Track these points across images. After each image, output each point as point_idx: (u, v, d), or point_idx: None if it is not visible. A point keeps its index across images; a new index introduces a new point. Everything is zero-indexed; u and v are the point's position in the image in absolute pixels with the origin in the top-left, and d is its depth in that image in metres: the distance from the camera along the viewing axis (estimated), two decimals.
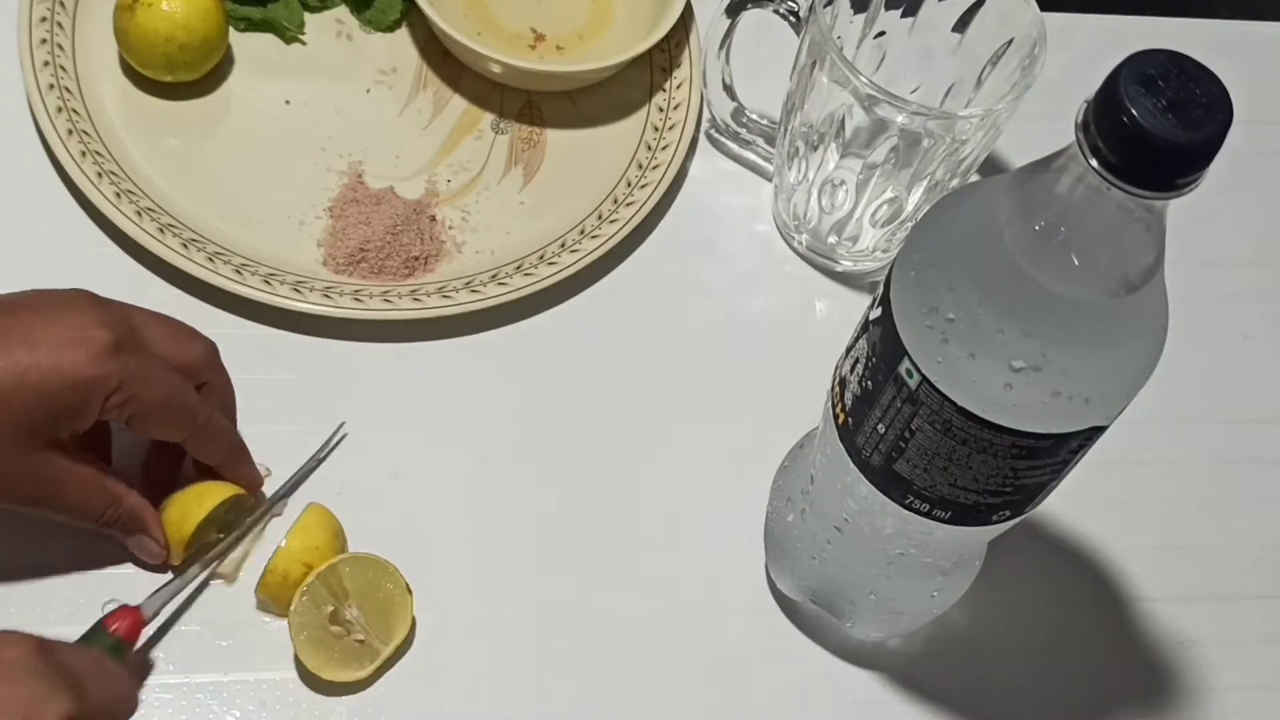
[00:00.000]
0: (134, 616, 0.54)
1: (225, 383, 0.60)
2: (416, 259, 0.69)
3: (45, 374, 0.51)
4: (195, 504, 0.58)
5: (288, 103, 0.73)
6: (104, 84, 0.71)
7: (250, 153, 0.71)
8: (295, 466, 0.62)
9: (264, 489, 0.61)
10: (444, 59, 0.76)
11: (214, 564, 0.58)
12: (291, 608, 0.56)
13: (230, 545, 0.58)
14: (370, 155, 0.72)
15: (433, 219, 0.70)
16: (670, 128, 0.75)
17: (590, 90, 0.76)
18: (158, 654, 0.57)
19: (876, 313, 0.49)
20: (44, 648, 0.45)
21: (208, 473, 0.60)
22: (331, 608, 0.57)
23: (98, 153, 0.68)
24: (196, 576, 0.58)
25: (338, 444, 0.63)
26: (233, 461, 0.60)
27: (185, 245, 0.66)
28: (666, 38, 0.76)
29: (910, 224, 0.69)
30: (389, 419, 0.65)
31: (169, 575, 0.58)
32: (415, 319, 0.66)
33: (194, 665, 0.57)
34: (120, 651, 0.54)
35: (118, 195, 0.66)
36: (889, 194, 0.68)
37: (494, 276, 0.68)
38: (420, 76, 0.76)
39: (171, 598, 0.56)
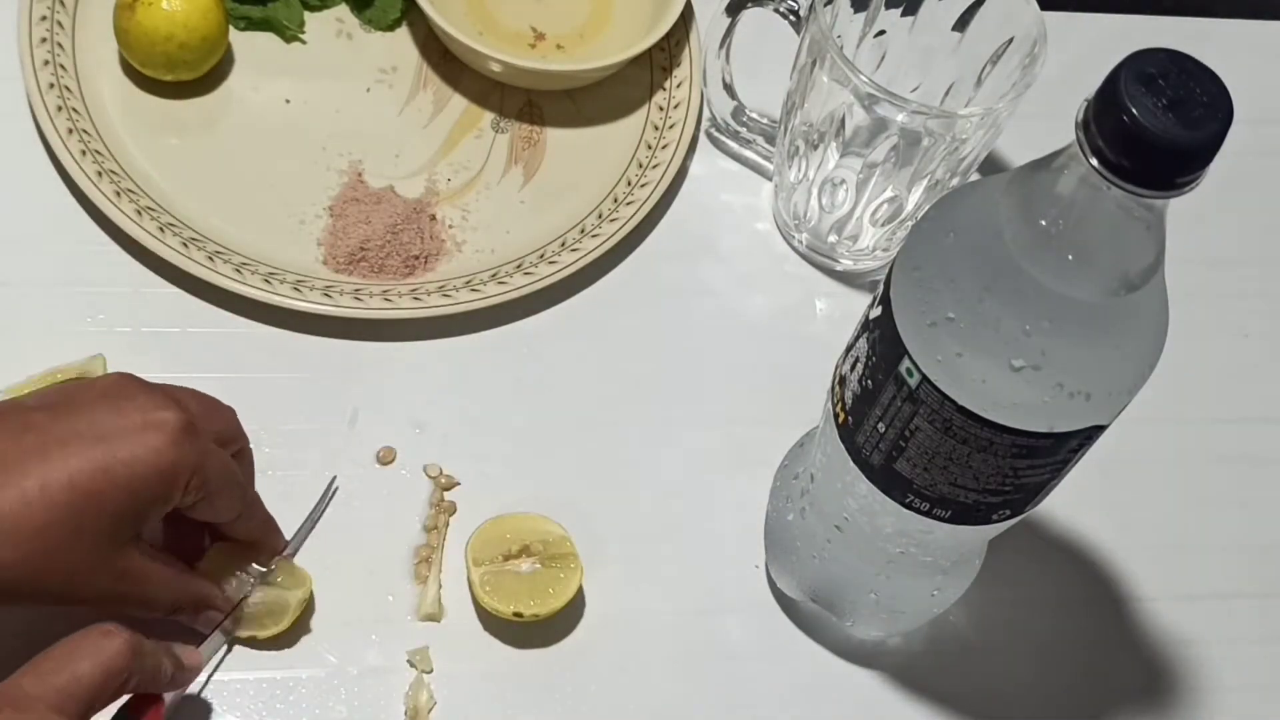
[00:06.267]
0: (157, 706, 0.52)
1: (249, 449, 0.59)
2: (416, 258, 0.69)
3: (130, 467, 0.49)
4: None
5: (288, 102, 0.73)
6: (104, 83, 0.71)
7: (250, 152, 0.71)
8: (294, 466, 0.62)
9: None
10: (444, 58, 0.76)
11: (228, 628, 0.57)
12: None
13: (239, 605, 0.57)
14: (370, 154, 0.72)
15: (433, 218, 0.70)
16: (670, 126, 0.75)
17: (590, 89, 0.76)
18: None
19: (876, 312, 0.49)
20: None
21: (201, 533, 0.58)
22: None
23: (98, 151, 0.68)
24: (220, 646, 0.57)
25: (331, 498, 0.62)
26: (269, 532, 0.59)
27: (185, 244, 0.66)
28: (667, 37, 0.76)
29: (910, 223, 0.69)
30: (389, 418, 0.65)
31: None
32: (415, 318, 0.66)
33: None
34: None
35: (118, 194, 0.66)
36: (889, 193, 0.68)
37: (494, 275, 0.68)
38: (420, 75, 0.76)
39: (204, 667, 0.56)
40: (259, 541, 0.58)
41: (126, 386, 0.52)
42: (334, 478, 0.62)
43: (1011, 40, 0.65)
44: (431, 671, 0.59)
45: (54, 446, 0.49)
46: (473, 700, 0.59)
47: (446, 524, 0.62)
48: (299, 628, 0.58)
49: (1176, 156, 0.39)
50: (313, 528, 0.61)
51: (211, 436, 0.53)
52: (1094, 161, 0.40)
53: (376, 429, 0.64)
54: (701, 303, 0.72)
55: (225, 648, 0.57)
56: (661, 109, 0.76)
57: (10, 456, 0.48)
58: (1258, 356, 0.76)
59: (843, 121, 0.65)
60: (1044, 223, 0.43)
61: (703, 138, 0.77)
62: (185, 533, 0.58)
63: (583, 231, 0.71)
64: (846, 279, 0.74)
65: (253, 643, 0.58)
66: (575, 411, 0.67)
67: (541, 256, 0.69)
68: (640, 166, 0.73)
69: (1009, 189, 0.44)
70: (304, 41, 0.76)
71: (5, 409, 0.51)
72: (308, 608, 0.58)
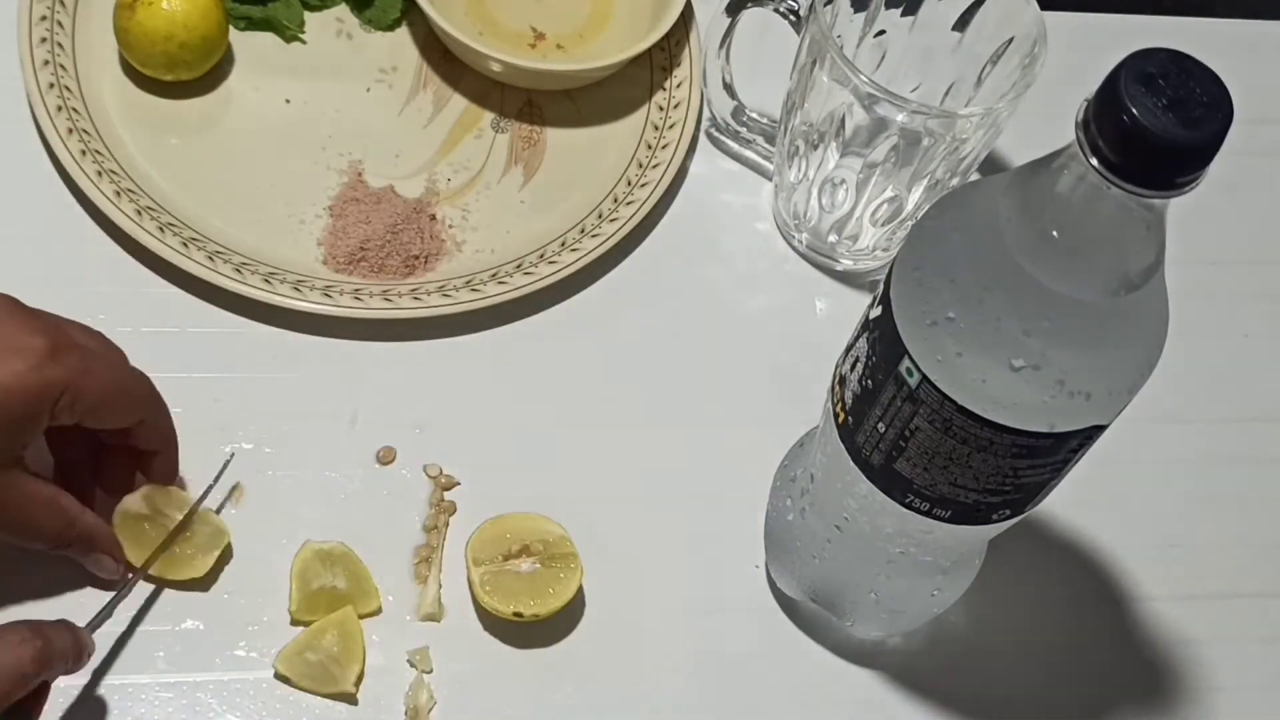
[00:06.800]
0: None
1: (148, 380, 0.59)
2: (416, 258, 0.69)
3: None
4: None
5: (288, 101, 0.73)
6: (104, 83, 0.71)
7: (250, 151, 0.71)
8: (294, 465, 0.62)
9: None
10: (444, 58, 0.76)
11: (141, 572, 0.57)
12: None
13: (160, 550, 0.57)
14: (370, 154, 0.72)
15: (433, 218, 0.70)
16: (670, 126, 0.75)
17: (590, 89, 0.76)
18: (158, 653, 0.57)
19: (876, 311, 0.49)
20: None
21: (131, 467, 0.59)
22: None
23: (98, 151, 0.68)
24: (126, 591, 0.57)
25: (226, 466, 0.61)
26: (171, 448, 0.59)
27: (185, 244, 0.66)
28: (667, 36, 0.76)
29: (910, 223, 0.69)
30: (389, 418, 0.65)
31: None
32: (415, 318, 0.66)
33: (194, 665, 0.57)
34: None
35: (118, 194, 0.66)
36: (889, 193, 0.68)
37: (494, 275, 0.68)
38: (420, 75, 0.76)
39: (109, 616, 0.56)
40: (161, 455, 0.59)
41: None
42: (232, 451, 0.62)
43: (1011, 40, 0.65)
44: (431, 671, 0.59)
45: None
46: (473, 700, 0.59)
47: (446, 524, 0.62)
48: (213, 575, 0.58)
49: (1176, 156, 0.39)
50: (210, 489, 0.60)
51: (100, 353, 0.54)
52: (1094, 161, 0.40)
53: (376, 429, 0.64)
54: (701, 303, 0.72)
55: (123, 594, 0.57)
56: (661, 109, 0.76)
57: None
58: (1258, 356, 0.76)
59: (843, 121, 0.65)
60: (1044, 223, 0.43)
61: (703, 138, 0.77)
62: (112, 467, 0.59)
63: (583, 231, 0.71)
64: (846, 279, 0.74)
65: (161, 584, 0.58)
66: (575, 411, 0.67)
67: (541, 256, 0.69)
68: (640, 166, 0.73)
69: (1009, 189, 0.44)
70: (304, 41, 0.76)
71: None
72: (224, 555, 0.59)
